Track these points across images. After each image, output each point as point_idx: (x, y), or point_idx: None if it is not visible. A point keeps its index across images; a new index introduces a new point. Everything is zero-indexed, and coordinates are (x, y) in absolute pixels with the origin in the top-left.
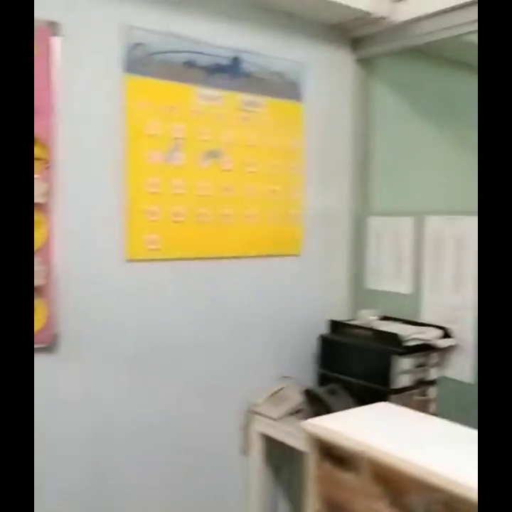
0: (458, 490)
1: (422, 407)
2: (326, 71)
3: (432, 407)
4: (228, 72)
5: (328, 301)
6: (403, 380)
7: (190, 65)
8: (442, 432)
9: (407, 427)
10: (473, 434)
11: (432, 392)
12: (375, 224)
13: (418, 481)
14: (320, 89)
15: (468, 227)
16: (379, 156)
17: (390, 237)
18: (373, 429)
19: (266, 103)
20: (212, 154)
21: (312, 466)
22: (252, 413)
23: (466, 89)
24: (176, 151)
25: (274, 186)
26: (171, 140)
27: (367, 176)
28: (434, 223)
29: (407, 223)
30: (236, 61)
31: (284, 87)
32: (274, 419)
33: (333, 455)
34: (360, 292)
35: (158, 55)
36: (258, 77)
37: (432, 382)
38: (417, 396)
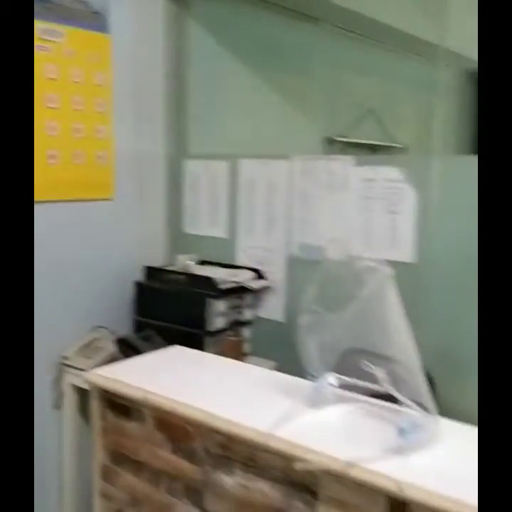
0: (235, 430)
1: (237, 347)
2: (134, 2)
3: (246, 346)
4: None
5: (145, 247)
6: (218, 322)
7: None
8: (228, 374)
9: (194, 371)
10: (262, 372)
11: (246, 332)
12: (191, 167)
13: (198, 424)
14: (129, 22)
15: (279, 171)
16: (194, 98)
17: (205, 180)
18: (158, 376)
19: (67, 33)
20: None
21: (96, 416)
22: (63, 365)
23: (285, 34)
24: None
25: (78, 124)
26: None
27: (182, 117)
28: (247, 167)
29: (222, 167)
30: None
31: (88, 17)
32: (86, 371)
33: (117, 405)
34: (177, 237)
35: None
36: (58, 3)
37: (247, 323)
38: (232, 337)
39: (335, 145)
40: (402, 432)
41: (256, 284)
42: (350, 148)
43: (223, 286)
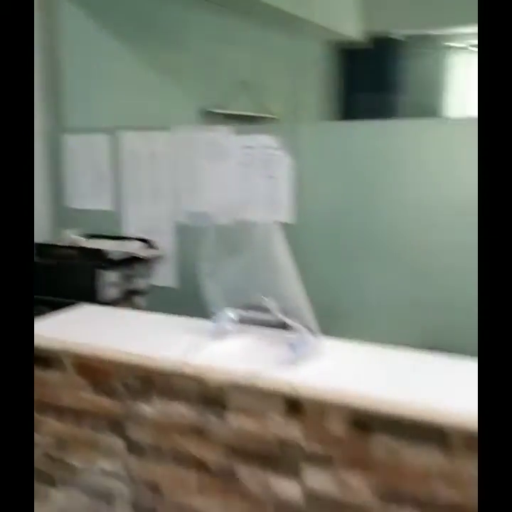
0: (151, 363)
1: None
2: None
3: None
4: None
5: None
6: (112, 293)
7: None
8: (138, 322)
9: (104, 323)
10: (168, 318)
11: (141, 300)
12: (71, 141)
13: (117, 364)
14: None
15: (161, 142)
16: (70, 73)
17: (86, 154)
18: (72, 328)
19: None
20: None
21: None
22: None
23: (159, 9)
24: None
25: None
26: None
27: (57, 92)
28: (129, 139)
29: (102, 140)
30: None
31: None
32: None
33: (36, 358)
34: (61, 212)
35: None
36: None
37: (140, 292)
38: (127, 306)
39: (212, 117)
40: (292, 347)
41: (146, 253)
42: (226, 119)
43: (113, 257)
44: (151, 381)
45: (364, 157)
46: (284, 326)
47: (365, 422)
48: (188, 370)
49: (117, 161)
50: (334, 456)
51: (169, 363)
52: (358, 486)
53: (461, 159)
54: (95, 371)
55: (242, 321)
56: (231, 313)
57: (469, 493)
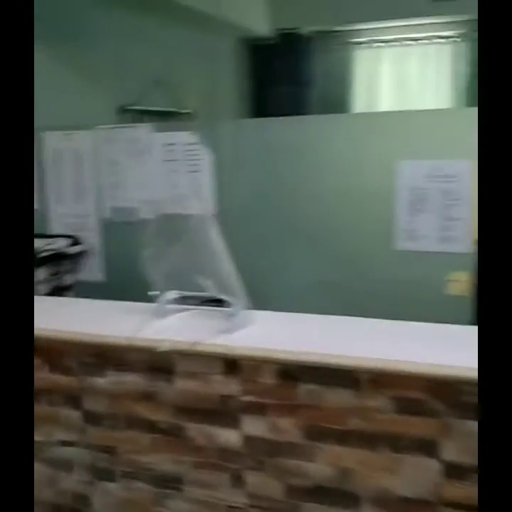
0: (103, 340)
1: None
2: None
3: None
4: None
5: None
6: (39, 290)
7: None
8: (82, 308)
9: (50, 309)
10: (112, 303)
11: (70, 296)
12: None
13: (72, 343)
14: None
15: (84, 141)
16: None
17: None
18: None
19: None
20: None
21: None
22: None
23: (77, 10)
24: None
25: None
26: None
27: None
28: (52, 139)
29: None
30: None
31: None
32: None
33: None
34: None
35: None
36: None
37: (68, 288)
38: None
39: (129, 114)
40: (228, 318)
41: (72, 250)
42: (144, 116)
43: (39, 255)
44: (104, 357)
45: (279, 151)
46: (219, 302)
47: (292, 373)
48: (137, 343)
49: (40, 161)
50: (267, 404)
51: (121, 338)
52: (287, 428)
53: (368, 150)
54: (50, 351)
55: (183, 300)
56: (172, 294)
57: (376, 422)
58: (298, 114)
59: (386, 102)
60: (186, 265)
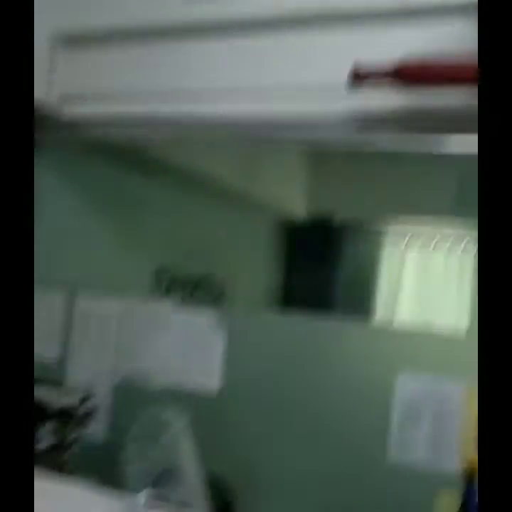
0: None
1: (60, 467)
2: None
3: (68, 467)
4: None
5: None
6: (43, 444)
7: None
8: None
9: None
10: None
11: (70, 453)
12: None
13: None
14: None
15: (112, 308)
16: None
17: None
18: None
19: None
20: None
21: None
22: None
23: (129, 184)
24: None
25: None
26: None
27: None
28: (83, 303)
29: (58, 300)
30: None
31: None
32: None
33: None
34: None
35: None
36: None
37: (70, 444)
38: (56, 457)
39: (163, 279)
40: None
41: (82, 408)
42: (175, 283)
43: (48, 409)
44: None
45: (295, 347)
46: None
47: None
48: None
49: (69, 320)
50: None
51: None
52: None
53: (372, 360)
54: None
55: (158, 498)
56: (148, 491)
57: None
58: (322, 305)
59: (406, 304)
60: (164, 465)
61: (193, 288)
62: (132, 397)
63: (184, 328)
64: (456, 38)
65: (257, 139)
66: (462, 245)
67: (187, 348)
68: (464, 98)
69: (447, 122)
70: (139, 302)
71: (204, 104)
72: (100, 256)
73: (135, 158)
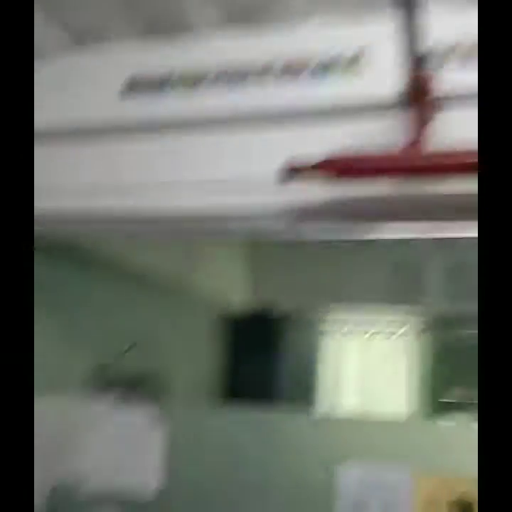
0: None
1: None
2: None
3: None
4: None
5: None
6: None
7: None
8: None
9: None
10: None
11: None
12: None
13: None
14: None
15: (50, 405)
16: None
17: None
18: None
19: None
20: None
21: None
22: None
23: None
24: None
25: None
26: None
27: None
28: None
29: None
30: None
31: None
32: None
33: None
34: None
35: None
36: None
37: None
38: None
39: (104, 375)
40: None
41: None
42: (116, 379)
43: None
44: None
45: (237, 441)
46: None
47: None
48: None
49: None
50: None
51: None
52: None
53: (314, 451)
54: None
55: None
56: None
57: None
58: (266, 395)
59: (348, 391)
60: None
61: (134, 383)
62: (66, 503)
63: (121, 426)
64: (383, 132)
65: (196, 231)
66: (400, 331)
67: (124, 448)
68: (391, 187)
69: (377, 210)
70: (77, 401)
71: (142, 198)
72: (37, 352)
73: (73, 254)
